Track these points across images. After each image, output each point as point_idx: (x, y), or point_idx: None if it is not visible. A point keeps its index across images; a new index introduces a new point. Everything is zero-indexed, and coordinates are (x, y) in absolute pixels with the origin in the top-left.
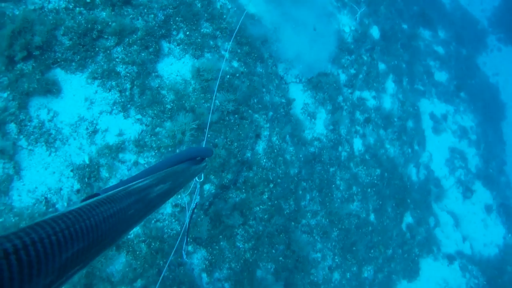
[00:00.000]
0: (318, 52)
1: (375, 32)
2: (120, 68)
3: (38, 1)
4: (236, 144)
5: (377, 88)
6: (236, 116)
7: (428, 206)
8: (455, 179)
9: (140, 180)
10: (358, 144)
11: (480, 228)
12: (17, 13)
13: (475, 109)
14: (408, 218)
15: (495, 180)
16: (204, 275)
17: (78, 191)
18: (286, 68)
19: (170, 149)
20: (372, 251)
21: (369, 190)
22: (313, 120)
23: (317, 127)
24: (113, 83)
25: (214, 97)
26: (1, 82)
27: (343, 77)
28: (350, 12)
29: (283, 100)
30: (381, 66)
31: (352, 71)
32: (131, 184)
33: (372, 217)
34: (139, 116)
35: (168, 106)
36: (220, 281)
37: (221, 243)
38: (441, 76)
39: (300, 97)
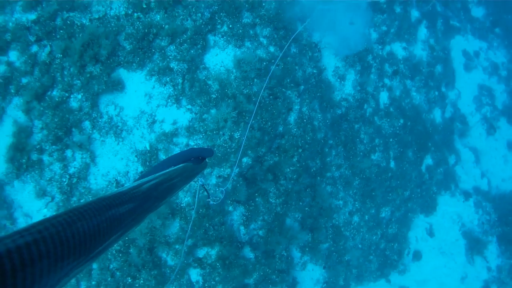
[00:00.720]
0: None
1: None
2: (173, 65)
3: (101, 8)
4: (270, 123)
5: (408, 39)
6: (271, 97)
7: (450, 144)
8: (481, 115)
9: (147, 180)
10: (384, 97)
11: (500, 163)
12: (84, 21)
13: (508, 44)
14: (428, 160)
15: None
16: (242, 228)
17: (141, 173)
18: (321, 36)
19: (215, 132)
20: (390, 194)
21: (391, 140)
22: (342, 82)
23: (346, 88)
24: (168, 78)
25: (259, 97)
26: (75, 85)
27: (374, 36)
28: None
29: (315, 71)
30: (415, 14)
31: (384, 28)
32: (139, 184)
33: (392, 164)
34: (189, 106)
35: (213, 96)
36: (255, 230)
37: (257, 199)
38: (478, 11)
39: (332, 60)
